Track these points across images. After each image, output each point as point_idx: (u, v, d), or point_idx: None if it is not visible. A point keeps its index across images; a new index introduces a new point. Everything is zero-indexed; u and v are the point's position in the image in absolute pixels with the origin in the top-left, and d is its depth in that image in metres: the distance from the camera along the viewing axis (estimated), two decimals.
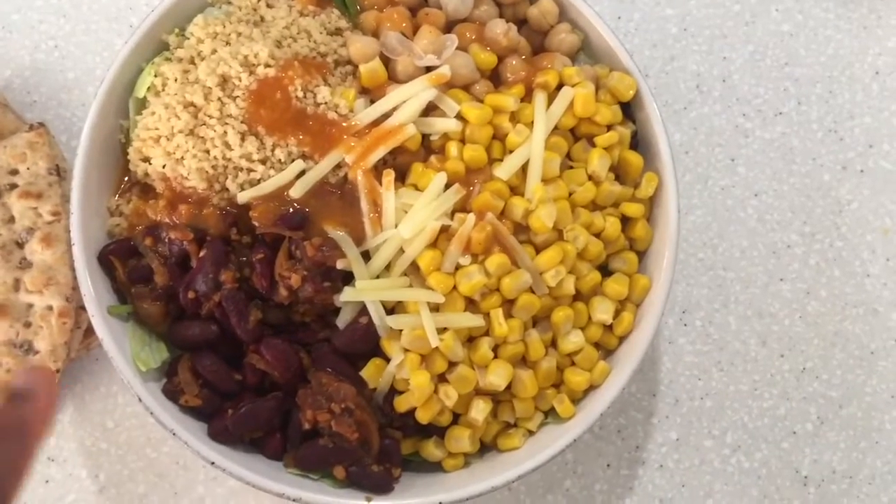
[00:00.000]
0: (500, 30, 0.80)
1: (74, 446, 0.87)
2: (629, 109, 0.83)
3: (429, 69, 0.80)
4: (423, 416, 0.76)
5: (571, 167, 0.80)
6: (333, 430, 0.74)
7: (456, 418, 0.78)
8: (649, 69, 0.99)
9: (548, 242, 0.77)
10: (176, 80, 0.78)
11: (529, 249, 0.77)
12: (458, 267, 0.75)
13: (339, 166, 0.78)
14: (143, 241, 0.77)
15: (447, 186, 0.77)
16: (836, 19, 1.02)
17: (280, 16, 0.81)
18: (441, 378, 0.76)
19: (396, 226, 0.75)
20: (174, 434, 0.73)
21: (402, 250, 0.76)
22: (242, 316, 0.74)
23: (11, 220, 0.85)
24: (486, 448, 0.80)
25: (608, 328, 0.80)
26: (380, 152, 0.77)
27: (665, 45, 1.00)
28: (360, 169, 0.77)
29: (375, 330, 0.75)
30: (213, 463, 0.73)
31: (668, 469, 0.90)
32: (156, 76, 0.80)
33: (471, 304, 0.76)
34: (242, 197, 0.76)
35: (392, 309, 0.76)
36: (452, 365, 0.76)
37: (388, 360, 0.76)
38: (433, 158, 0.78)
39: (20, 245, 0.85)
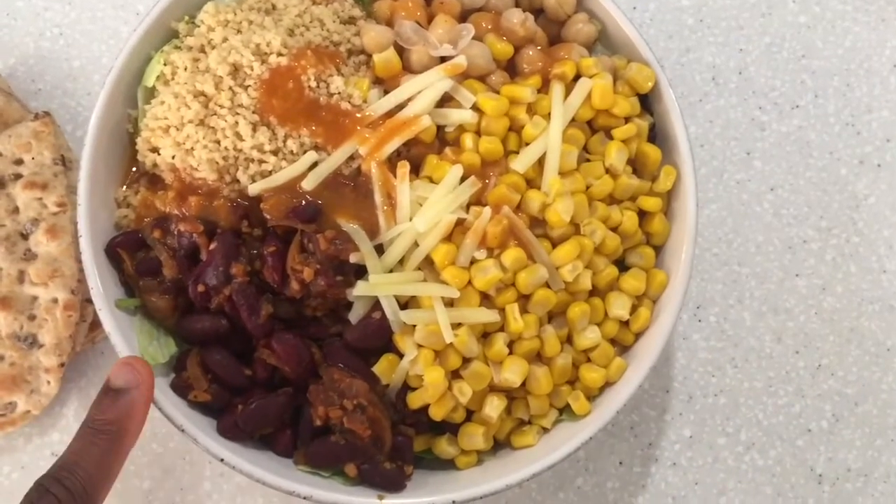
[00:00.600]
0: (517, 19, 0.79)
1: None
2: (646, 101, 0.82)
3: (444, 59, 0.78)
4: (436, 413, 0.74)
5: (588, 160, 0.79)
6: (345, 426, 0.72)
7: (469, 415, 0.76)
8: (665, 61, 0.98)
9: (564, 237, 0.76)
10: (186, 68, 0.77)
11: (545, 244, 0.75)
12: (473, 261, 0.74)
13: (352, 158, 0.76)
14: (151, 233, 0.76)
15: (462, 179, 0.75)
16: (853, 11, 1.00)
17: (292, 4, 0.80)
18: (455, 374, 0.75)
19: (411, 219, 0.74)
20: (183, 430, 0.72)
21: (416, 244, 0.74)
22: (253, 310, 0.73)
23: (16, 210, 0.83)
24: (499, 445, 0.79)
25: (624, 324, 0.78)
26: (394, 144, 0.75)
27: (681, 36, 0.99)
28: (374, 161, 0.75)
29: (388, 325, 0.74)
30: (222, 460, 0.72)
31: (681, 467, 0.89)
32: (165, 65, 0.78)
33: (486, 300, 0.75)
34: (254, 189, 0.75)
35: (405, 304, 0.75)
36: (467, 361, 0.74)
37: (400, 355, 0.74)
38: (448, 150, 0.77)
39: (25, 236, 0.83)
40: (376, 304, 0.74)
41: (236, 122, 0.75)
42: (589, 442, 0.74)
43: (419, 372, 0.73)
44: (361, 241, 0.73)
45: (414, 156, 0.77)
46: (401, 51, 0.79)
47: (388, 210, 0.75)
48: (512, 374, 0.74)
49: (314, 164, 0.75)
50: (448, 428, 0.77)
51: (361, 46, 0.80)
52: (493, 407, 0.75)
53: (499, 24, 0.80)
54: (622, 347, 0.79)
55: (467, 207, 0.75)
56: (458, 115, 0.77)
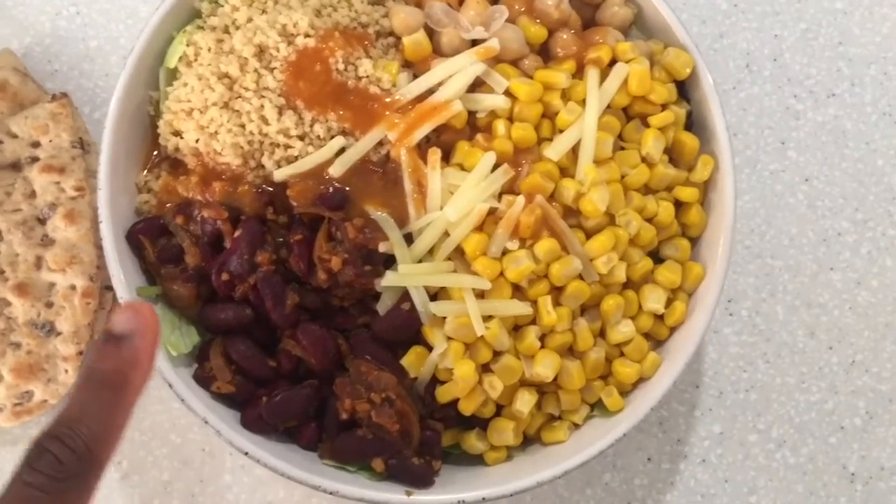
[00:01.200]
0: (552, 2, 0.76)
1: None
2: (682, 88, 0.80)
3: (475, 42, 0.76)
4: (466, 408, 0.72)
5: (623, 148, 0.76)
6: (373, 420, 0.71)
7: (499, 410, 0.74)
8: (698, 46, 0.94)
9: (599, 227, 0.74)
10: (210, 49, 0.74)
11: (579, 234, 0.73)
12: (504, 252, 0.72)
13: (381, 144, 0.74)
14: (173, 219, 0.73)
15: (495, 167, 0.73)
16: None
17: None
18: (485, 368, 0.73)
19: (441, 208, 0.72)
20: (206, 422, 0.70)
21: (446, 233, 0.72)
22: (279, 300, 0.71)
23: (33, 194, 0.81)
24: (528, 441, 0.77)
25: (659, 318, 0.76)
26: (424, 129, 0.73)
27: (714, 21, 0.96)
28: (404, 147, 0.73)
29: (417, 316, 0.72)
30: (246, 453, 0.70)
31: (710, 464, 0.87)
32: (188, 45, 0.76)
33: (517, 291, 0.73)
34: (279, 174, 0.73)
35: (435, 295, 0.73)
36: (497, 354, 0.72)
37: (429, 348, 0.72)
38: (479, 137, 0.75)
39: (42, 221, 0.81)
40: (405, 295, 0.72)
41: (262, 106, 0.73)
42: (621, 438, 0.72)
43: (449, 365, 0.71)
44: (390, 230, 0.71)
45: (444, 142, 0.75)
46: (431, 33, 0.77)
47: (417, 198, 0.73)
48: (544, 368, 0.72)
49: (342, 150, 0.73)
50: (477, 423, 0.75)
51: (390, 28, 0.78)
52: (524, 402, 0.73)
53: (532, 6, 0.78)
54: (656, 342, 0.77)
55: (499, 196, 0.73)
56: (491, 101, 0.74)
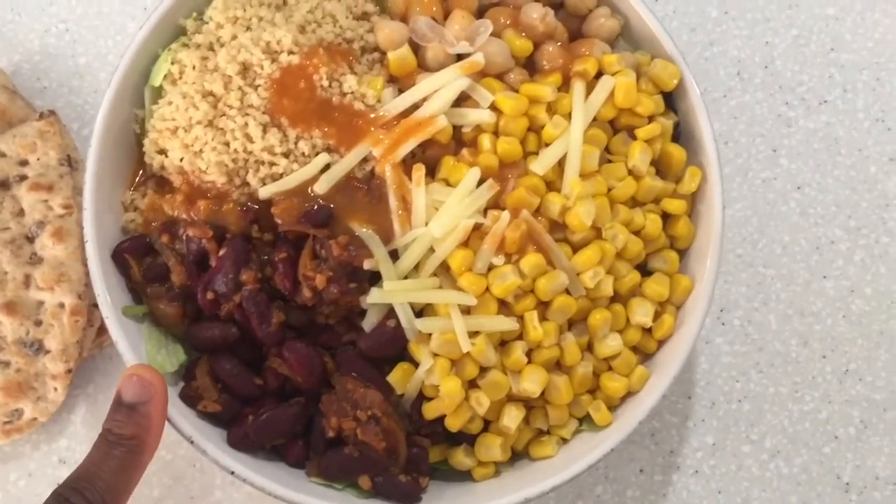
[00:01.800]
0: (537, 14, 0.76)
1: (87, 448, 0.82)
2: (670, 99, 0.79)
3: (460, 57, 0.75)
4: (452, 424, 0.72)
5: (610, 161, 0.76)
6: (359, 438, 0.70)
7: (486, 425, 0.74)
8: (688, 55, 0.94)
9: (585, 241, 0.73)
10: (194, 67, 0.74)
11: (566, 248, 0.73)
12: (490, 267, 0.72)
13: (365, 160, 0.74)
14: (159, 238, 0.74)
15: (480, 182, 0.72)
16: (883, 2, 0.97)
17: None
18: (472, 384, 0.72)
19: (427, 224, 0.72)
20: (192, 442, 0.70)
21: (432, 249, 0.72)
22: (264, 318, 0.71)
23: (21, 213, 0.81)
24: (517, 456, 0.76)
25: (647, 331, 0.76)
26: (409, 145, 0.73)
27: (704, 29, 0.96)
28: (389, 163, 0.73)
29: (403, 333, 0.72)
30: (232, 472, 0.70)
31: (703, 475, 0.86)
32: (173, 63, 0.76)
33: (504, 307, 0.72)
34: (264, 192, 0.73)
35: (421, 311, 0.73)
36: (484, 370, 0.72)
37: (416, 364, 0.72)
38: (465, 152, 0.74)
39: (30, 239, 0.81)
40: (391, 312, 0.72)
41: (246, 124, 0.73)
42: (610, 453, 0.72)
43: (435, 382, 0.71)
44: (375, 247, 0.71)
45: (429, 157, 0.75)
46: (416, 48, 0.77)
47: (402, 214, 0.72)
48: (531, 383, 0.71)
49: (326, 167, 0.73)
50: (464, 438, 0.75)
51: (375, 43, 0.78)
52: (512, 417, 0.73)
53: (518, 20, 0.77)
54: (644, 355, 0.77)
55: (485, 211, 0.73)
56: (476, 115, 0.74)
